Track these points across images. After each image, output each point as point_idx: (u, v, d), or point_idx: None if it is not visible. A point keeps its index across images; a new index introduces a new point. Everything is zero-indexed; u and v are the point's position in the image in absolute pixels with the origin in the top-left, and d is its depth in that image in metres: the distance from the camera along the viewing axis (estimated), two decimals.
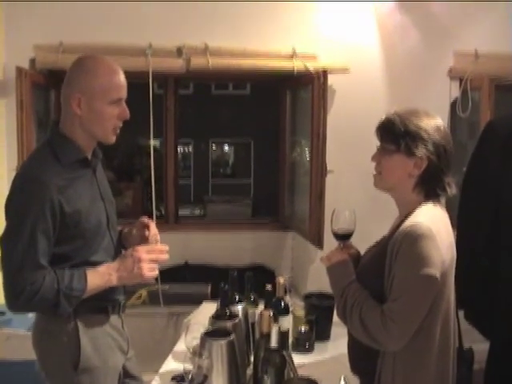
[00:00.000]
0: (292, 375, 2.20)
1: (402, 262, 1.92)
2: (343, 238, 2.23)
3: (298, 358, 2.50)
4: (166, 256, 2.27)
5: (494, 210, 2.47)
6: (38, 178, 2.09)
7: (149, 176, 4.32)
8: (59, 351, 2.21)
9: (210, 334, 2.27)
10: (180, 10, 4.24)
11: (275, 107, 5.07)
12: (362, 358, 2.12)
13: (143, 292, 4.28)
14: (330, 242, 2.31)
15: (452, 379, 2.09)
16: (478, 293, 2.52)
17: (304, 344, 2.83)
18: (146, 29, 4.19)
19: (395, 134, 2.03)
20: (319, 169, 3.97)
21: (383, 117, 2.11)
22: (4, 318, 3.45)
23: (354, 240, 2.28)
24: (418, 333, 1.94)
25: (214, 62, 4.18)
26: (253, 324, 2.69)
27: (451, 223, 2.12)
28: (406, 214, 2.06)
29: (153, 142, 4.42)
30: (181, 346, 2.68)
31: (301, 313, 2.87)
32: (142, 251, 2.21)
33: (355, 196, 3.87)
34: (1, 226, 2.10)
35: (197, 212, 13.74)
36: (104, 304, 2.29)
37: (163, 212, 4.97)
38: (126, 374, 2.45)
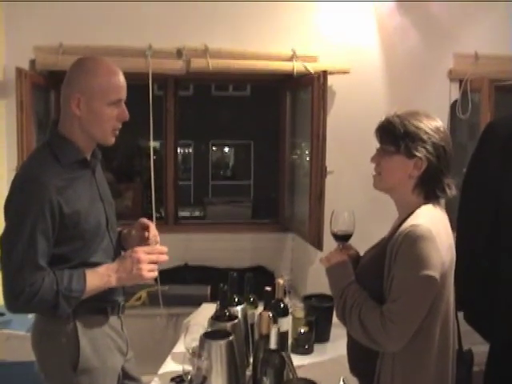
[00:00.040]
0: (291, 376, 2.20)
1: (402, 263, 1.92)
2: (342, 239, 2.23)
3: (297, 360, 2.50)
4: (165, 257, 2.27)
5: (494, 212, 2.46)
6: (38, 179, 2.09)
7: (149, 177, 4.32)
8: (58, 352, 2.20)
9: (210, 335, 2.27)
10: (180, 11, 4.24)
11: (275, 108, 5.07)
12: (361, 359, 2.13)
13: (143, 293, 4.28)
14: (330, 244, 2.31)
15: (451, 380, 2.09)
16: (478, 294, 2.51)
17: (303, 345, 2.83)
18: (146, 30, 4.19)
19: (395, 136, 2.03)
20: (319, 170, 3.97)
21: (383, 118, 2.11)
22: (4, 319, 3.44)
23: (353, 241, 2.28)
24: (418, 334, 1.94)
25: (213, 64, 4.18)
26: (252, 325, 2.69)
27: (451, 225, 2.12)
28: (405, 215, 2.06)
29: (153, 144, 4.42)
30: (180, 347, 2.68)
31: (300, 314, 2.86)
32: (141, 252, 2.21)
33: (355, 197, 3.87)
34: (0, 227, 2.10)
35: (197, 214, 13.74)
36: (103, 305, 2.29)
37: (163, 213, 4.97)
38: (125, 375, 2.45)
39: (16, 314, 3.02)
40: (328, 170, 4.01)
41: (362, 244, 2.29)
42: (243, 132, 19.03)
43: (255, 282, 2.80)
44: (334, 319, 2.62)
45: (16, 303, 2.05)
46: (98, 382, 2.25)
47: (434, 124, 2.05)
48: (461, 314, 2.46)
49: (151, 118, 4.11)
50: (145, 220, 2.46)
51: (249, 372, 2.45)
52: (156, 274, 2.25)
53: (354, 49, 4.40)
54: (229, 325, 2.41)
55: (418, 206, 2.04)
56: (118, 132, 2.29)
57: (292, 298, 3.57)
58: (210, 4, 4.24)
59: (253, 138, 19.49)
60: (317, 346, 2.88)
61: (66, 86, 2.23)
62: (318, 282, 2.57)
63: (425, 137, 2.01)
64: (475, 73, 4.41)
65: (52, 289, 2.05)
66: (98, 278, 2.16)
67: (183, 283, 4.45)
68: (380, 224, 2.38)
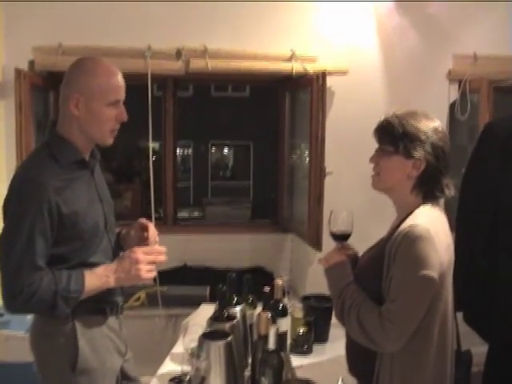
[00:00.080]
0: (290, 377, 2.20)
1: (400, 263, 1.92)
2: (341, 238, 2.23)
3: (296, 360, 2.51)
4: (163, 257, 2.27)
5: (493, 212, 2.46)
6: (36, 179, 2.09)
7: (148, 178, 4.32)
8: (57, 353, 2.20)
9: (208, 336, 2.27)
10: (179, 12, 4.24)
11: (275, 109, 5.07)
12: (359, 359, 2.13)
13: (142, 294, 4.28)
14: (329, 244, 2.31)
15: (450, 380, 2.09)
16: (477, 294, 2.51)
17: (302, 346, 2.83)
18: (145, 31, 4.19)
19: (393, 136, 2.04)
20: (318, 171, 3.97)
21: (381, 118, 2.11)
22: (2, 320, 3.44)
23: (352, 241, 2.28)
24: (416, 334, 1.94)
25: (212, 64, 4.18)
26: (251, 326, 2.69)
27: (450, 225, 2.12)
28: (404, 215, 2.06)
29: (153, 145, 4.41)
30: (179, 348, 2.68)
31: (299, 314, 2.87)
32: (140, 252, 2.21)
33: (354, 197, 3.87)
34: None
35: (196, 214, 13.74)
36: (102, 305, 2.29)
37: (162, 214, 4.97)
38: (123, 376, 2.45)
39: (15, 315, 3.03)
40: (327, 170, 4.01)
41: (361, 244, 2.29)
42: (242, 133, 19.06)
43: (254, 283, 2.80)
44: (333, 320, 2.62)
45: (14, 303, 2.05)
46: (96, 383, 2.25)
47: (433, 124, 2.05)
48: (460, 315, 2.46)
49: (150, 118, 4.11)
50: (144, 220, 2.46)
51: (247, 372, 2.44)
52: (154, 274, 2.25)
53: (353, 49, 4.41)
54: (227, 325, 2.40)
55: (417, 207, 2.05)
56: (116, 133, 2.29)
57: (291, 299, 3.57)
58: (209, 5, 4.24)
59: (252, 139, 19.51)
60: (316, 347, 2.88)
61: (64, 87, 2.23)
62: (317, 282, 2.57)
63: (423, 137, 2.01)
64: (474, 73, 4.41)
65: (50, 289, 2.05)
66: (97, 278, 2.16)
67: (182, 284, 4.45)
68: (379, 224, 2.38)
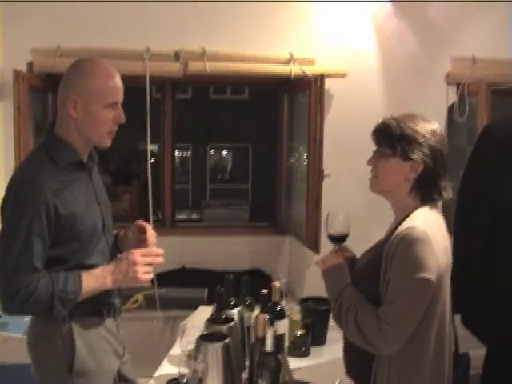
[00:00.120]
0: (287, 379, 2.19)
1: (398, 265, 1.92)
2: (338, 240, 2.23)
3: (293, 362, 2.50)
4: (161, 259, 2.27)
5: (491, 214, 2.46)
6: (34, 181, 2.09)
7: (146, 180, 4.32)
8: (54, 354, 2.20)
9: (206, 338, 2.26)
10: (178, 14, 4.25)
11: (273, 112, 5.07)
12: (357, 361, 2.12)
13: (140, 296, 4.27)
14: (327, 247, 2.30)
15: (448, 383, 2.09)
16: (475, 297, 2.51)
17: (300, 348, 2.83)
18: (144, 33, 4.19)
19: (391, 138, 2.04)
20: (316, 173, 3.97)
21: (379, 120, 2.11)
22: (0, 322, 3.43)
23: (351, 244, 2.28)
24: (414, 336, 1.93)
25: (211, 66, 4.19)
26: (248, 328, 2.68)
27: (448, 228, 2.12)
28: (402, 217, 2.06)
29: (152, 147, 4.41)
30: (176, 350, 2.67)
31: (297, 317, 2.87)
32: (137, 254, 2.20)
33: (352, 200, 3.88)
34: None
35: (194, 217, 13.73)
36: (99, 307, 2.28)
37: (160, 216, 4.97)
38: (121, 378, 2.44)
39: (13, 317, 3.02)
40: (325, 172, 4.02)
41: (359, 246, 2.29)
42: (241, 135, 19.05)
43: (252, 285, 2.79)
44: (331, 322, 2.61)
45: (11, 304, 2.05)
46: None
47: (431, 127, 2.05)
48: (458, 318, 2.46)
49: (148, 120, 4.11)
50: (141, 222, 2.46)
51: (245, 375, 2.44)
52: (152, 276, 2.24)
53: (351, 52, 4.41)
54: (225, 327, 2.40)
55: (415, 209, 2.05)
56: (114, 135, 2.28)
57: (289, 301, 3.57)
58: (207, 7, 4.25)
59: (251, 142, 19.51)
60: (313, 349, 2.88)
61: (62, 88, 2.23)
62: (315, 284, 2.56)
63: (421, 139, 2.01)
64: (472, 76, 4.42)
65: (47, 290, 2.04)
66: (94, 279, 2.16)
67: (180, 286, 4.45)
68: (377, 226, 2.37)
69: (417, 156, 2.00)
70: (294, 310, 2.92)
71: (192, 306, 3.64)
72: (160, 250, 2.29)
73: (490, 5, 4.46)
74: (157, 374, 2.59)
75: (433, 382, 2.01)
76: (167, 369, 2.60)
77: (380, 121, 2.10)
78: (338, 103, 4.42)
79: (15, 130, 3.82)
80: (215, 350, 2.21)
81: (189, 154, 20.25)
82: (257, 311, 2.64)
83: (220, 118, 18.42)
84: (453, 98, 4.55)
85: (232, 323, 2.45)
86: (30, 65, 4.09)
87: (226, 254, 4.69)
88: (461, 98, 4.49)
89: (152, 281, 4.02)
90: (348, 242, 2.26)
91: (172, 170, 4.88)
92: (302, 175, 4.45)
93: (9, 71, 3.88)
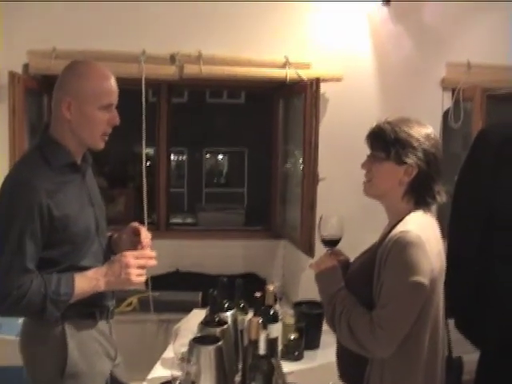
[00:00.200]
0: (280, 383, 2.19)
1: (391, 269, 1.92)
2: (330, 244, 2.23)
3: (287, 366, 2.50)
4: (154, 262, 2.26)
5: (486, 218, 2.46)
6: (28, 182, 2.09)
7: (141, 183, 4.31)
8: (46, 356, 2.19)
9: (199, 340, 2.26)
10: (174, 17, 4.25)
11: (269, 116, 5.07)
12: (350, 365, 2.12)
13: (134, 299, 4.26)
14: (321, 251, 2.30)
15: None
16: (470, 301, 2.51)
17: (293, 352, 2.83)
18: (140, 35, 4.18)
19: (385, 142, 2.04)
20: (311, 177, 3.97)
21: (374, 124, 2.11)
22: None
23: (345, 247, 2.28)
24: (407, 340, 1.93)
25: (206, 70, 4.19)
26: (242, 331, 2.69)
27: (442, 232, 2.12)
28: (395, 221, 2.06)
29: (148, 150, 4.41)
30: (170, 353, 2.67)
31: (290, 320, 2.86)
32: (130, 256, 2.20)
33: (347, 203, 3.86)
34: None
35: (189, 220, 13.71)
36: (92, 309, 2.28)
37: (155, 219, 4.96)
38: (113, 381, 2.43)
39: (5, 318, 3.01)
40: (320, 176, 4.01)
41: (353, 250, 2.29)
42: (237, 139, 19.05)
43: (247, 289, 2.80)
44: (325, 326, 2.61)
45: (3, 306, 2.04)
46: None
47: (425, 131, 2.05)
48: (451, 322, 2.46)
49: (144, 124, 4.10)
50: (136, 224, 2.46)
51: (238, 378, 2.44)
52: (144, 278, 2.24)
53: (347, 56, 4.41)
54: (218, 330, 2.41)
55: (408, 213, 2.05)
56: (107, 137, 2.28)
57: (283, 305, 3.57)
58: (204, 10, 4.25)
59: (247, 146, 19.50)
60: (307, 353, 2.88)
61: (57, 90, 2.23)
62: (309, 288, 2.56)
63: (415, 143, 2.01)
64: (468, 82, 4.42)
65: (40, 292, 2.04)
66: (87, 281, 2.15)
67: (174, 289, 4.43)
68: (371, 230, 2.37)
69: (411, 160, 2.00)
70: (287, 314, 2.92)
71: (186, 309, 3.65)
72: (153, 253, 2.28)
73: (486, 11, 4.47)
74: (150, 376, 2.59)
75: None
76: (160, 372, 2.60)
77: (374, 125, 2.11)
78: (334, 107, 4.42)
79: (10, 132, 3.82)
80: (208, 352, 2.21)
81: (185, 157, 20.25)
82: (250, 314, 2.64)
83: (216, 122, 18.42)
84: (448, 103, 4.55)
85: (225, 326, 2.45)
86: (26, 67, 4.08)
87: (221, 258, 4.67)
88: (456, 103, 4.49)
89: (146, 284, 4.02)
90: (342, 246, 2.25)
91: (167, 174, 4.87)
92: (297, 179, 4.45)
93: (4, 73, 3.87)
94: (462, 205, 2.56)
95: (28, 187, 2.08)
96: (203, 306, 3.97)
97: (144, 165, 4.22)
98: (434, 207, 2.13)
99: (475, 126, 4.29)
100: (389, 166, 2.04)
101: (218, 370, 2.21)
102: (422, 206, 2.07)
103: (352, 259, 2.28)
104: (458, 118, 4.46)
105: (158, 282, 4.23)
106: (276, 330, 2.67)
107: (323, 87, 4.05)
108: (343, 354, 2.15)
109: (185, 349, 2.29)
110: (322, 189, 4.04)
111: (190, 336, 2.32)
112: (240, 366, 2.46)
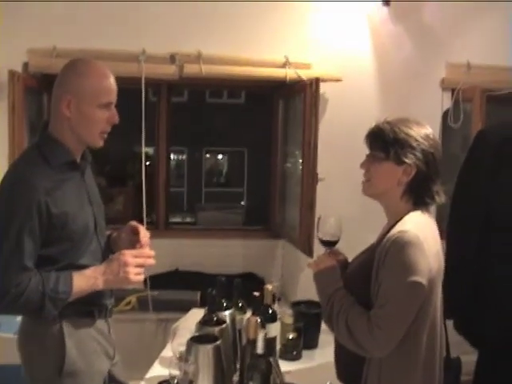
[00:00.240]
0: (278, 382, 2.19)
1: (389, 268, 1.92)
2: (329, 244, 2.22)
3: (285, 366, 2.50)
4: (152, 261, 2.26)
5: (485, 218, 2.46)
6: (27, 180, 2.09)
7: (141, 182, 4.31)
8: (44, 354, 2.19)
9: (197, 340, 2.26)
10: (174, 16, 4.25)
11: (269, 116, 5.08)
12: (348, 364, 2.12)
13: (132, 298, 4.26)
14: (320, 251, 2.30)
15: None
16: (469, 301, 2.51)
17: (292, 351, 2.83)
18: (140, 35, 4.20)
19: (384, 142, 2.04)
20: (310, 177, 3.97)
21: (373, 124, 2.11)
22: None
23: (343, 247, 2.27)
24: (405, 339, 1.93)
25: (206, 69, 4.19)
26: (240, 330, 2.68)
27: (441, 232, 2.12)
28: (394, 221, 2.06)
29: (148, 150, 4.41)
30: (168, 352, 2.66)
31: (289, 320, 2.86)
32: (129, 255, 2.20)
33: (346, 203, 3.87)
34: None
35: (188, 220, 13.68)
36: (90, 308, 2.27)
37: (154, 219, 4.96)
38: (111, 379, 2.43)
39: (4, 316, 3.01)
40: (319, 176, 4.01)
41: (352, 250, 2.28)
42: (237, 139, 19.03)
43: (245, 288, 2.79)
44: (323, 326, 2.62)
45: (1, 304, 2.03)
46: None
47: (424, 131, 2.05)
48: (449, 323, 2.46)
49: (143, 123, 4.10)
50: (134, 223, 2.45)
51: (236, 377, 2.44)
52: (143, 277, 2.24)
53: (346, 56, 4.42)
54: (216, 329, 2.40)
55: (407, 213, 2.04)
56: (106, 135, 2.28)
57: (282, 305, 3.56)
58: (204, 10, 4.25)
59: (247, 146, 19.49)
60: (305, 352, 2.88)
61: (57, 88, 2.23)
62: (308, 288, 2.56)
63: (414, 143, 2.01)
64: (467, 82, 4.43)
65: (38, 290, 2.04)
66: (85, 280, 2.15)
67: (173, 288, 4.43)
68: (370, 230, 2.37)
69: (410, 160, 2.00)
70: (285, 314, 2.91)
71: (184, 308, 3.64)
72: (152, 252, 2.28)
73: (486, 11, 4.48)
74: (148, 375, 2.58)
75: None
76: (158, 370, 2.60)
77: (373, 125, 2.11)
78: (333, 107, 4.43)
79: (10, 130, 3.83)
80: (206, 351, 2.21)
81: (184, 157, 20.24)
82: (249, 314, 2.64)
83: (216, 122, 18.40)
84: (447, 103, 4.56)
85: (224, 325, 2.45)
86: (26, 65, 4.09)
87: (220, 257, 4.68)
88: (455, 103, 4.50)
89: (145, 283, 4.03)
90: (340, 246, 2.25)
91: (167, 173, 4.88)
92: (296, 179, 4.45)
93: (4, 71, 3.88)
94: (461, 204, 2.56)
95: (27, 185, 2.07)
96: (202, 305, 3.97)
97: (143, 164, 4.22)
98: (432, 207, 2.13)
99: (475, 127, 4.29)
100: (388, 166, 2.04)
101: (216, 369, 2.20)
102: (420, 206, 2.07)
103: (350, 259, 2.27)
104: (458, 118, 4.46)
105: (156, 281, 4.24)
106: (274, 329, 2.67)
107: (323, 87, 4.06)
108: (341, 354, 2.15)
109: (183, 348, 2.28)
110: (321, 189, 4.04)
111: (189, 335, 2.32)
112: (238, 366, 2.46)
